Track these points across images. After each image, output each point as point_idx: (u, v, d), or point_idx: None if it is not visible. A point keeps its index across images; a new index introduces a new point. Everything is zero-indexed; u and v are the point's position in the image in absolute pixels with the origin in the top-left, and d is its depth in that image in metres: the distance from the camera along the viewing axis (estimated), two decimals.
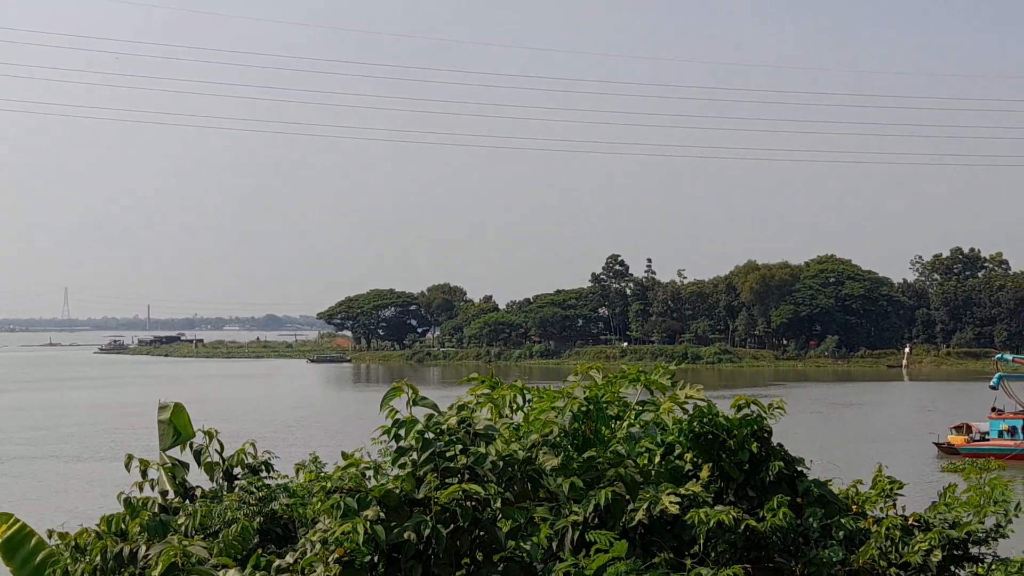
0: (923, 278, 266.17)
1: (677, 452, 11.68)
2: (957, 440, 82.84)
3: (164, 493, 14.43)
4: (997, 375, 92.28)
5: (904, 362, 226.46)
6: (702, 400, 11.79)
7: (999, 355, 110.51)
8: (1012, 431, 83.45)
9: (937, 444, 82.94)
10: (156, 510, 13.61)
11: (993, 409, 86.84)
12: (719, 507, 10.57)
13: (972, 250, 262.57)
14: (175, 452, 15.16)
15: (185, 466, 14.96)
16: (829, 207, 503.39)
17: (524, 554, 10.02)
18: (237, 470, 14.80)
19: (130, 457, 14.65)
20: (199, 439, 15.08)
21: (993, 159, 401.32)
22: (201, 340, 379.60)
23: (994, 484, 11.60)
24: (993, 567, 11.66)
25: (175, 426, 15.35)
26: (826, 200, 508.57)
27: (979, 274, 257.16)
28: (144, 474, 14.53)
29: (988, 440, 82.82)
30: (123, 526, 12.75)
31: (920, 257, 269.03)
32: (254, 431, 24.42)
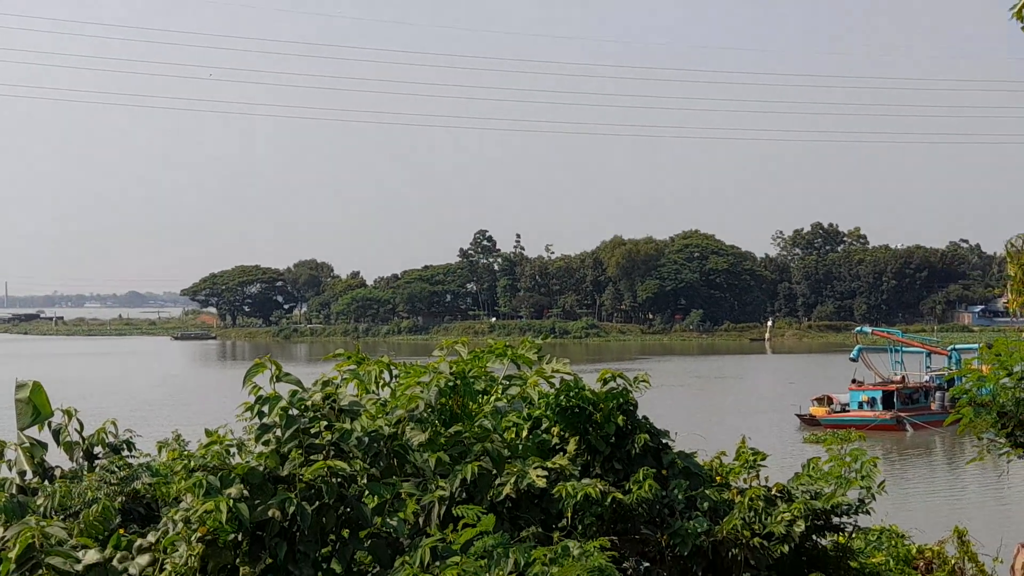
0: (784, 253, 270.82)
1: (544, 426, 11.72)
2: (818, 412, 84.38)
3: (22, 474, 14.11)
4: (857, 347, 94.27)
5: (767, 335, 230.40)
6: (568, 374, 11.85)
7: (859, 328, 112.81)
8: (872, 402, 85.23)
9: (799, 416, 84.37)
10: (13, 491, 13.31)
11: (853, 381, 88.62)
12: (586, 480, 10.63)
13: (831, 225, 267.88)
14: (33, 432, 14.82)
15: (44, 446, 14.64)
16: (693, 182, 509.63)
17: (391, 530, 9.97)
18: (98, 449, 14.54)
19: None
20: (58, 418, 14.77)
21: (851, 136, 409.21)
22: (61, 318, 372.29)
23: (855, 455, 11.85)
24: (854, 536, 11.91)
25: (33, 405, 14.98)
26: (690, 175, 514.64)
27: (839, 249, 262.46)
28: (0, 455, 14.20)
29: (849, 411, 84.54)
30: None
31: (781, 232, 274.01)
32: (115, 410, 23.98)
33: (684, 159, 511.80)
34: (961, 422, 14.31)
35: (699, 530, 10.73)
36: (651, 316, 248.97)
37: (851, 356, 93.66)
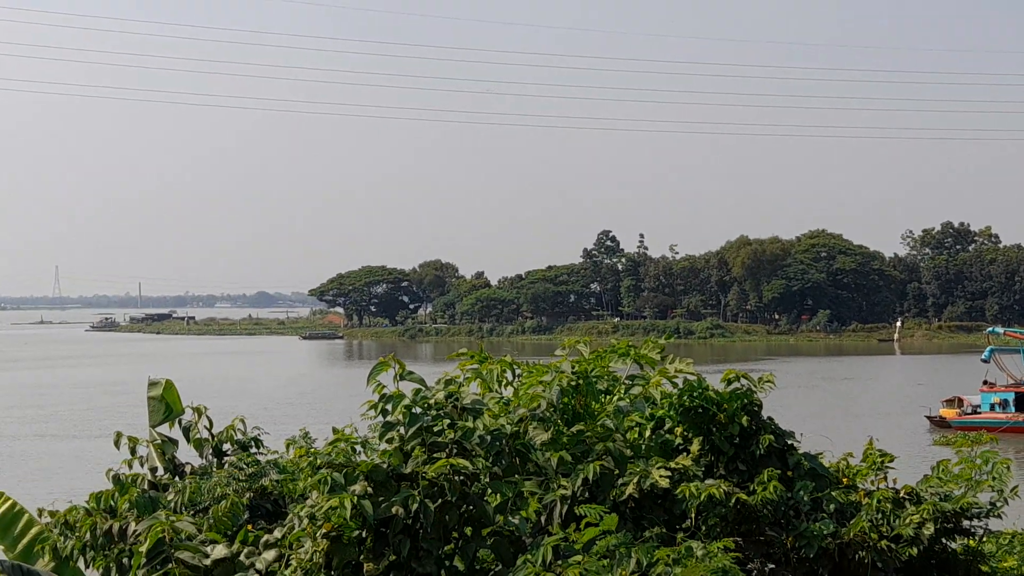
0: (914, 252, 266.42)
1: (667, 426, 11.63)
2: (949, 413, 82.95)
3: (153, 470, 14.37)
4: (988, 348, 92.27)
5: (896, 336, 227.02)
6: (692, 374, 11.74)
7: (990, 328, 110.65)
8: (1004, 404, 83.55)
9: (929, 417, 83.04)
10: (145, 487, 13.57)
11: (985, 382, 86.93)
12: (710, 481, 10.54)
13: (962, 224, 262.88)
14: (164, 429, 15.09)
15: (174, 443, 14.90)
16: (820, 182, 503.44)
17: (513, 528, 9.99)
18: (227, 446, 14.75)
19: (119, 434, 14.58)
20: (188, 415, 15.02)
21: (982, 133, 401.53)
22: (193, 317, 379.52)
23: (986, 457, 11.59)
24: (985, 540, 11.66)
25: (165, 403, 15.28)
26: (817, 175, 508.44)
27: (969, 248, 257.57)
28: (133, 451, 14.45)
29: (980, 413, 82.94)
30: (112, 503, 12.67)
31: (911, 231, 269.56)
32: (244, 407, 24.37)
33: (811, 158, 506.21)
34: None
35: (825, 532, 10.59)
36: (777, 316, 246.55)
37: (983, 357, 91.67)
